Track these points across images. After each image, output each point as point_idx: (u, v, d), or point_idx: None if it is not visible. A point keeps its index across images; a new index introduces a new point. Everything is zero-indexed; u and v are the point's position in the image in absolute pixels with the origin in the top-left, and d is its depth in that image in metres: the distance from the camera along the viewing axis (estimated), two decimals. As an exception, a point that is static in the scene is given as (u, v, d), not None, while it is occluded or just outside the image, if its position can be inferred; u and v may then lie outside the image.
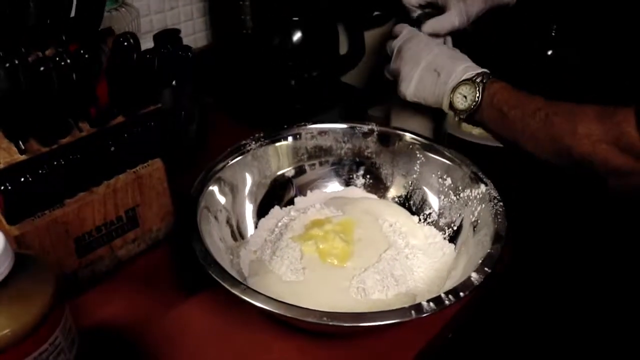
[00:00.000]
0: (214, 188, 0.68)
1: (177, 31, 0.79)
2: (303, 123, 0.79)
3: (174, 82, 0.75)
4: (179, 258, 0.70)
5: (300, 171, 0.78)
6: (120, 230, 0.66)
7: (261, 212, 0.75)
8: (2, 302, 0.43)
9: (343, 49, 1.03)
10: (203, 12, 1.03)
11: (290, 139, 0.78)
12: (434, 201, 0.74)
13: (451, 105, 0.69)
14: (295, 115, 0.96)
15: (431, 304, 0.50)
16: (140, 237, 0.69)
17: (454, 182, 0.72)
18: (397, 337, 0.60)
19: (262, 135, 0.76)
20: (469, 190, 0.69)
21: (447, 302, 0.50)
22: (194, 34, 1.03)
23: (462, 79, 0.68)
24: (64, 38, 0.57)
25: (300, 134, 0.78)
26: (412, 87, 0.74)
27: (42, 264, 0.48)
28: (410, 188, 0.76)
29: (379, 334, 0.60)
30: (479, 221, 0.66)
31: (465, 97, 0.67)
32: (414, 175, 0.76)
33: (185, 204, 0.64)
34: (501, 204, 0.64)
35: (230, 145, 0.75)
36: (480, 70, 0.68)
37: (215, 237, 0.64)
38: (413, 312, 0.49)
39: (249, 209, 0.73)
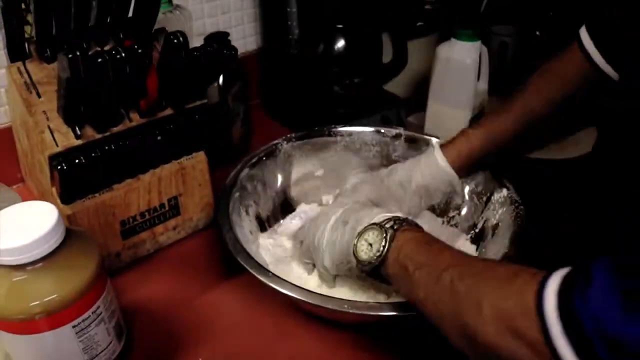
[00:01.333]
0: (247, 184, 0.72)
1: (226, 34, 0.84)
2: (333, 125, 0.82)
3: (220, 81, 0.79)
4: (215, 247, 0.74)
5: (329, 171, 0.81)
6: (162, 217, 0.70)
7: (289, 208, 0.79)
8: (52, 270, 0.48)
9: (386, 57, 1.06)
10: (253, 18, 1.08)
11: (320, 140, 0.81)
12: (457, 204, 0.75)
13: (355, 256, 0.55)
14: (338, 120, 0.99)
15: None
16: (181, 225, 0.73)
17: (477, 185, 0.73)
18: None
19: (293, 135, 0.80)
20: (491, 194, 0.71)
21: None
22: (244, 38, 1.08)
23: (370, 222, 0.55)
24: (121, 36, 0.62)
25: (330, 135, 0.81)
26: (324, 251, 0.61)
27: (89, 240, 0.53)
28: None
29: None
30: (499, 224, 0.67)
31: (370, 245, 0.53)
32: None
33: (220, 197, 0.68)
34: (522, 207, 0.65)
35: (269, 144, 0.79)
36: (395, 215, 0.55)
37: (246, 230, 0.68)
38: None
39: (278, 204, 0.77)
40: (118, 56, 0.48)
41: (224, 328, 0.63)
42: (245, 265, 0.58)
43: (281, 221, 0.77)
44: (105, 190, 0.64)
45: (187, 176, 0.70)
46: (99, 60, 0.47)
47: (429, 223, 0.75)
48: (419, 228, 0.54)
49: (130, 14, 0.61)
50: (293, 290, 0.55)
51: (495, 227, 0.67)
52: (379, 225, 0.53)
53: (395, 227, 0.52)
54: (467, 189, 0.74)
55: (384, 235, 0.52)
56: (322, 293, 0.56)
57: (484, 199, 0.71)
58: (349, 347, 0.60)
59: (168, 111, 0.63)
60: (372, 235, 0.53)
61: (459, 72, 0.81)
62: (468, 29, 0.81)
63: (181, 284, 0.69)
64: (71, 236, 0.50)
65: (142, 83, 0.55)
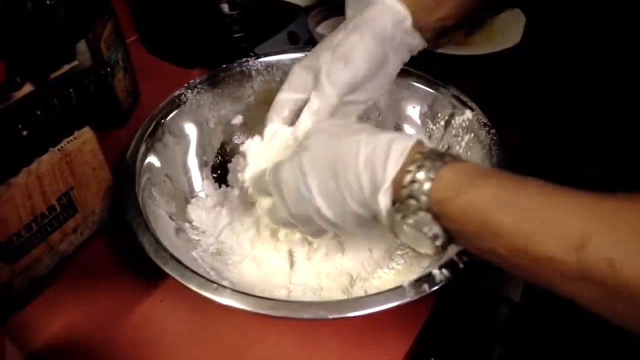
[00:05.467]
0: (152, 158, 0.58)
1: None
2: (245, 59, 0.67)
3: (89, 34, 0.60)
4: (130, 241, 0.59)
5: (249, 116, 0.67)
6: (56, 222, 0.54)
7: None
8: None
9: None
10: None
11: (232, 80, 0.66)
12: (408, 133, 0.65)
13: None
14: (235, 45, 0.84)
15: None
16: (82, 224, 0.57)
17: (431, 108, 0.63)
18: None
19: (197, 81, 0.64)
20: (450, 118, 0.61)
21: (461, 265, 0.43)
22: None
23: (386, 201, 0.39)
24: None
25: (243, 72, 0.67)
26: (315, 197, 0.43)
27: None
28: (379, 119, 0.67)
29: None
30: (468, 153, 0.58)
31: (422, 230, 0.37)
32: (381, 105, 0.67)
33: (122, 179, 0.54)
34: (494, 131, 0.56)
35: (164, 93, 0.63)
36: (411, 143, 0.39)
37: (164, 216, 0.55)
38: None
39: (195, 169, 0.64)
40: None
41: (172, 347, 0.50)
42: (180, 280, 0.45)
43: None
44: (-34, 214, 0.46)
45: (74, 163, 0.54)
46: None
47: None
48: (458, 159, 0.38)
49: None
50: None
51: (465, 157, 0.58)
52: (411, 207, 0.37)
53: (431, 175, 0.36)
54: (417, 110, 0.64)
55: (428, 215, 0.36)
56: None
57: (442, 123, 0.61)
58: (335, 337, 0.51)
59: (28, 88, 0.45)
60: (414, 217, 0.37)
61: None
62: None
63: (101, 301, 0.54)
64: None
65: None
